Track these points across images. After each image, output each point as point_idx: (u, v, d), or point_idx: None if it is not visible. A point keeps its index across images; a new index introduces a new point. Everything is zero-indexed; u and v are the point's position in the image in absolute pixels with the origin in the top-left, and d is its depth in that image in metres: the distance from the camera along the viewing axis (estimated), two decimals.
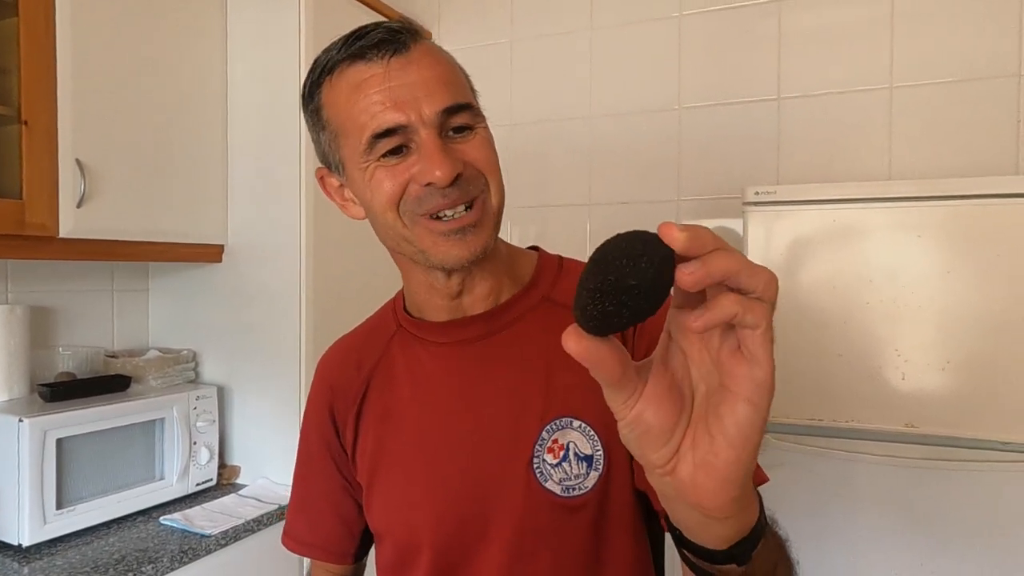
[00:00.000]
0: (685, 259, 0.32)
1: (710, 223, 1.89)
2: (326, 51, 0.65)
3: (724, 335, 0.36)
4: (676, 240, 0.31)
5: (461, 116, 0.62)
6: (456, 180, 0.61)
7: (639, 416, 0.37)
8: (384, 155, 0.62)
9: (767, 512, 0.54)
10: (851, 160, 1.75)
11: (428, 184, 0.60)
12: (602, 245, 0.33)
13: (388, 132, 0.61)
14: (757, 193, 1.44)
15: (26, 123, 1.28)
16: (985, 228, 1.30)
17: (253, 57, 1.68)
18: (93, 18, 1.38)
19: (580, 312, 0.33)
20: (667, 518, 0.46)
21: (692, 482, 0.37)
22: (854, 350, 1.37)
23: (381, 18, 1.85)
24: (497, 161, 0.65)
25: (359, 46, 0.62)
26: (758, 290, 0.33)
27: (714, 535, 0.43)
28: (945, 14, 1.67)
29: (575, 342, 0.34)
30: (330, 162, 0.69)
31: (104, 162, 1.41)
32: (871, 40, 1.74)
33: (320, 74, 0.65)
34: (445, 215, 0.62)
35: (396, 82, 0.60)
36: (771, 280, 0.34)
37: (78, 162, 1.35)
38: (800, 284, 1.43)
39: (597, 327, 0.33)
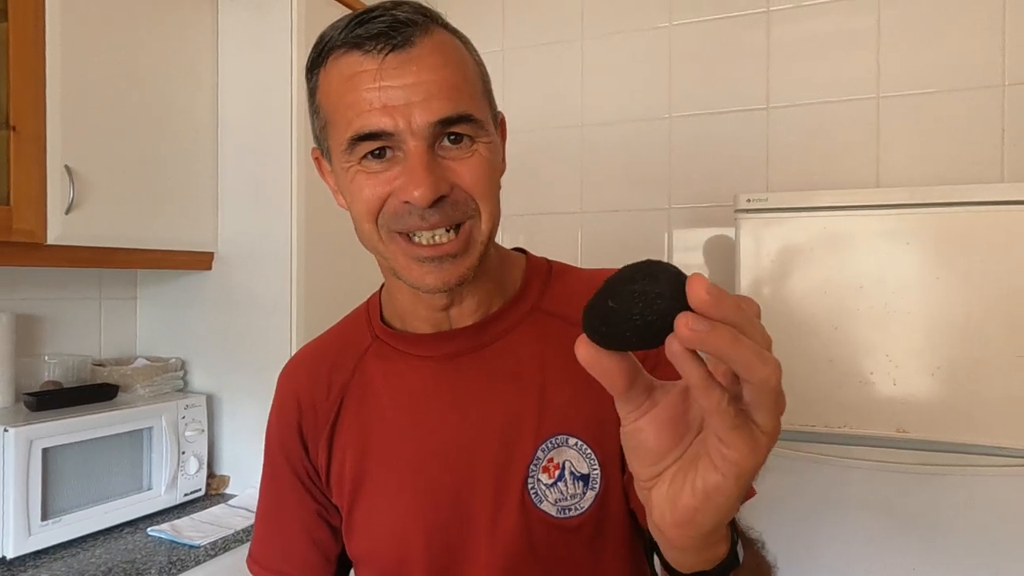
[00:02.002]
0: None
1: (701, 231, 1.90)
2: (332, 27, 0.59)
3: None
4: (696, 299, 0.31)
5: (461, 127, 0.56)
6: (439, 202, 0.55)
7: (638, 431, 0.38)
8: (366, 157, 0.57)
9: (751, 533, 0.56)
10: (840, 169, 1.77)
11: (407, 202, 0.56)
12: (629, 267, 0.33)
13: (371, 136, 0.55)
14: (749, 200, 1.45)
15: (14, 129, 1.27)
16: (972, 235, 1.31)
17: (244, 63, 1.67)
18: (83, 24, 1.38)
19: (588, 327, 0.34)
20: (653, 545, 0.48)
21: (659, 508, 0.38)
22: (845, 356, 1.38)
23: None
24: (494, 183, 0.59)
25: (356, 34, 0.55)
26: (755, 383, 0.32)
27: (678, 559, 0.44)
28: (931, 25, 1.70)
29: (584, 350, 0.35)
30: (321, 148, 0.64)
31: (93, 168, 1.40)
32: (858, 51, 1.76)
33: (319, 54, 0.59)
34: (421, 237, 0.57)
35: (389, 82, 0.54)
36: (770, 375, 0.32)
37: (67, 168, 1.34)
38: (791, 290, 1.44)
39: (602, 343, 0.34)
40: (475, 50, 0.63)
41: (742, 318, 0.32)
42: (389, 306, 0.71)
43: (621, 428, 0.39)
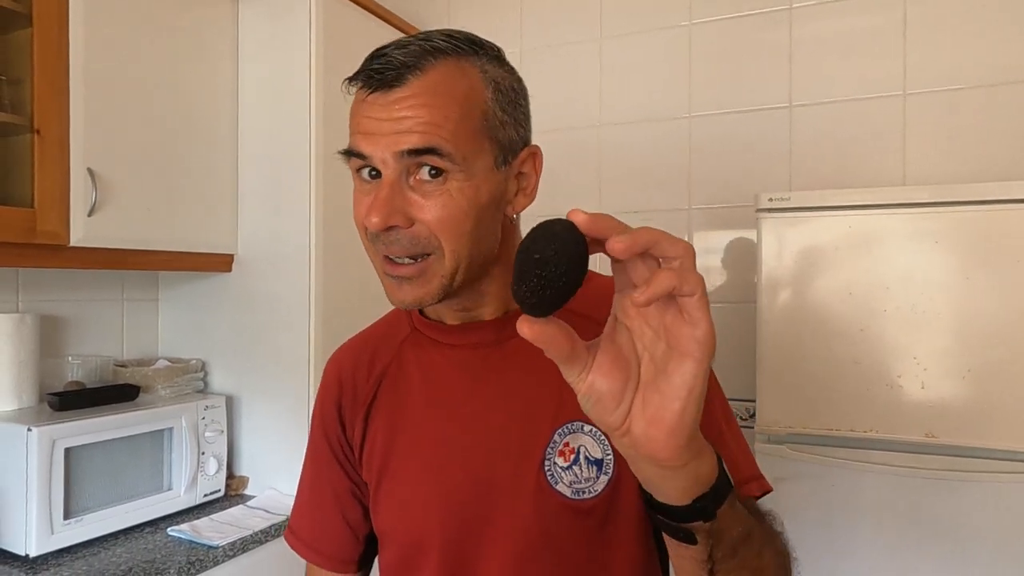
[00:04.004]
0: (593, 240, 0.38)
1: (722, 233, 1.87)
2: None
3: (665, 306, 0.41)
4: (576, 215, 0.38)
5: (428, 158, 0.59)
6: (395, 230, 0.60)
7: (591, 385, 0.43)
8: (360, 171, 0.63)
9: (764, 508, 0.59)
10: (864, 167, 1.74)
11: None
12: (522, 245, 0.39)
13: (357, 155, 0.62)
14: (771, 200, 1.42)
15: (38, 132, 1.29)
16: (1004, 233, 1.27)
17: (263, 67, 1.69)
18: (105, 29, 1.39)
19: (517, 298, 0.39)
20: (645, 496, 0.50)
21: (645, 436, 0.42)
22: (871, 358, 1.35)
23: (389, 28, 1.86)
24: (464, 221, 0.60)
25: (363, 67, 0.62)
26: (679, 255, 0.39)
27: (676, 488, 0.47)
28: (957, 21, 1.66)
29: (527, 327, 0.40)
30: None
31: (115, 171, 1.41)
32: (884, 47, 1.73)
33: (350, 79, 0.65)
34: (392, 257, 0.62)
35: (371, 114, 0.60)
36: (688, 247, 0.39)
37: (89, 171, 1.36)
38: (816, 291, 1.41)
39: (534, 307, 0.39)
40: (504, 86, 0.64)
41: (621, 223, 0.39)
42: None
43: (578, 397, 0.44)
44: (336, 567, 0.78)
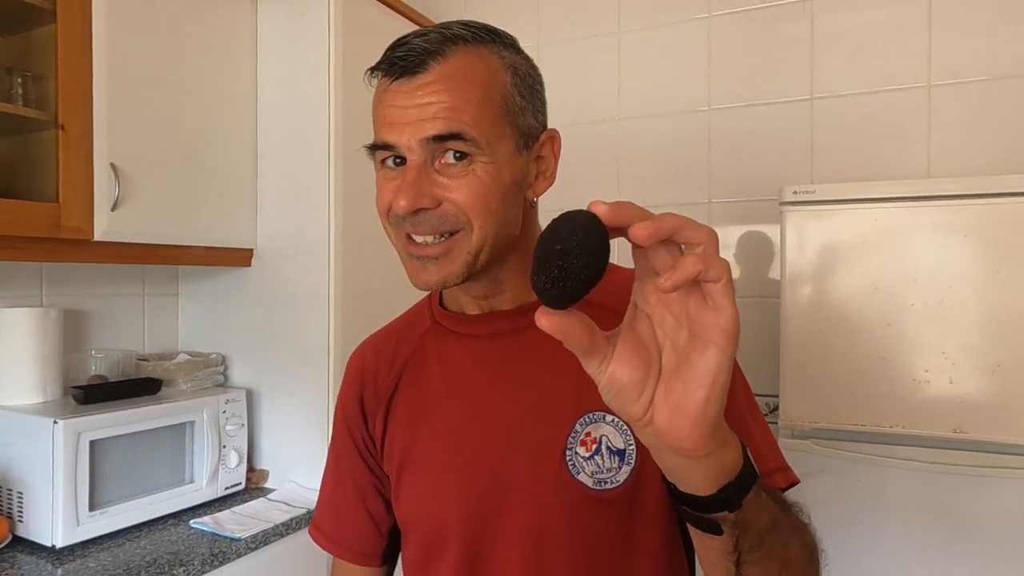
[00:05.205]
0: (615, 229, 0.38)
1: (742, 227, 1.86)
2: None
3: (688, 293, 0.40)
4: (598, 206, 0.38)
5: (454, 143, 0.61)
6: (423, 212, 0.61)
7: (612, 375, 0.42)
8: (385, 162, 0.64)
9: (790, 499, 0.59)
10: (886, 160, 1.71)
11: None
12: (542, 237, 0.38)
13: (381, 146, 0.63)
14: (795, 193, 1.41)
15: (63, 128, 1.30)
16: None
17: (282, 63, 1.69)
18: (127, 26, 1.40)
19: (537, 290, 0.38)
20: (669, 487, 0.49)
21: (669, 426, 0.42)
22: (898, 353, 1.33)
23: (407, 23, 1.86)
24: (490, 200, 0.62)
25: (386, 57, 0.63)
26: (703, 241, 0.38)
27: (701, 478, 0.46)
28: (983, 10, 1.63)
29: (545, 319, 0.39)
30: None
31: (137, 166, 1.42)
32: (908, 38, 1.70)
33: (372, 70, 0.66)
34: (416, 237, 0.63)
35: (395, 103, 0.62)
36: (712, 233, 0.39)
37: (112, 166, 1.36)
38: (840, 285, 1.39)
39: (554, 299, 0.38)
40: (522, 72, 0.66)
41: (643, 210, 0.39)
42: (447, 292, 0.76)
43: (600, 392, 0.43)
44: (359, 560, 0.79)
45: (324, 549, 0.81)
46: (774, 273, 1.80)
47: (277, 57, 1.70)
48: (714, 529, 0.48)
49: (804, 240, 1.42)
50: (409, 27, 1.86)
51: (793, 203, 1.42)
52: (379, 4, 1.77)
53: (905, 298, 1.33)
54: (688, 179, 1.92)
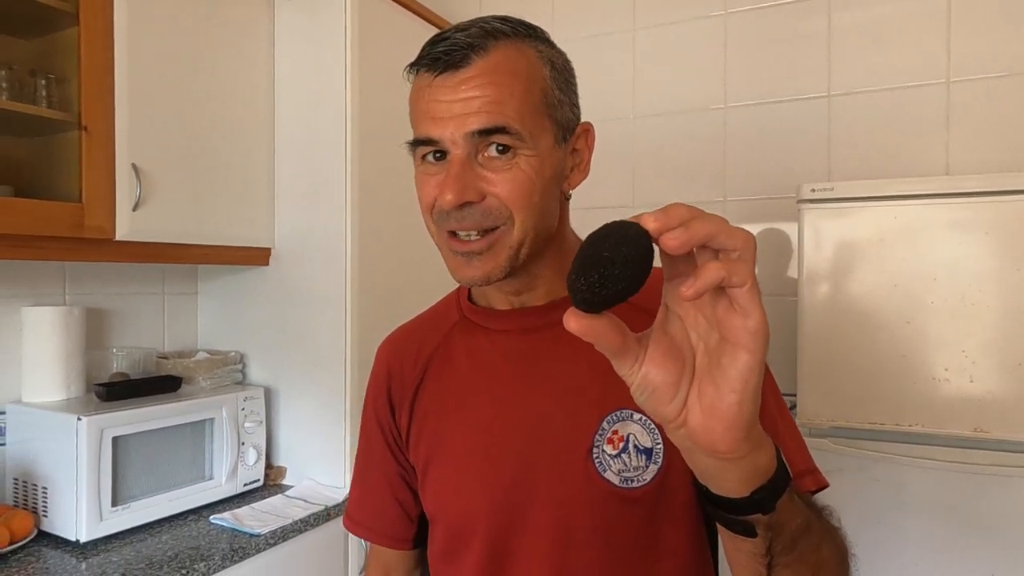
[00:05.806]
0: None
1: (759, 225, 1.85)
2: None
3: (716, 297, 0.40)
4: (647, 221, 0.38)
5: (498, 137, 0.61)
6: (468, 206, 0.61)
7: (645, 377, 0.42)
8: (426, 157, 0.64)
9: (820, 502, 0.59)
10: (904, 158, 1.70)
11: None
12: (589, 240, 0.39)
13: (424, 142, 0.63)
14: (814, 190, 1.40)
15: (86, 129, 1.32)
16: None
17: (299, 63, 1.70)
18: (148, 29, 1.42)
19: (571, 290, 0.38)
20: (701, 489, 0.49)
21: (703, 427, 0.42)
22: (918, 351, 1.32)
23: (422, 23, 1.86)
24: (532, 194, 0.62)
25: (426, 52, 0.63)
26: (738, 248, 0.38)
27: (735, 480, 0.45)
28: (1002, 5, 1.61)
29: (575, 321, 0.39)
30: None
31: (158, 167, 1.44)
32: (927, 34, 1.68)
33: (410, 67, 0.67)
34: (460, 233, 0.63)
35: (439, 97, 0.61)
36: (748, 238, 0.38)
37: (134, 166, 1.38)
38: (859, 283, 1.38)
39: (587, 302, 0.38)
40: (559, 65, 0.67)
41: (691, 214, 0.38)
42: (476, 287, 0.76)
43: (632, 393, 0.43)
44: (391, 544, 0.81)
45: (359, 536, 0.84)
46: (792, 271, 1.79)
47: (294, 57, 1.71)
48: (748, 531, 0.48)
49: (822, 238, 1.42)
50: (424, 26, 1.87)
51: (811, 201, 1.41)
52: (394, 4, 1.78)
53: (925, 296, 1.32)
54: (704, 177, 1.91)
